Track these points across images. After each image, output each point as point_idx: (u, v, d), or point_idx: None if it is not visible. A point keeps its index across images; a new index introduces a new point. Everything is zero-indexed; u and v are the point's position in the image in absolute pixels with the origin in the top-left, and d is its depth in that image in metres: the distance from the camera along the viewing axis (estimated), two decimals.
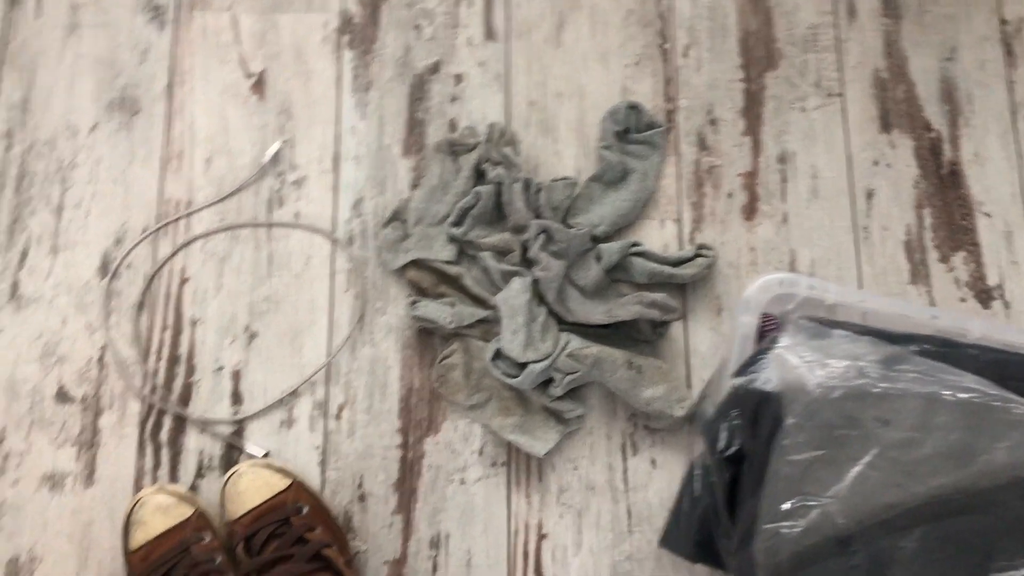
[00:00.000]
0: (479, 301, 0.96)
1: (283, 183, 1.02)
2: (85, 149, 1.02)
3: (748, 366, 0.59)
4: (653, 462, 0.94)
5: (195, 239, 1.00)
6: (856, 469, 0.51)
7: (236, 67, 1.05)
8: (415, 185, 1.02)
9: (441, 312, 0.95)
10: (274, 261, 0.99)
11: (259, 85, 1.05)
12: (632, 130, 1.03)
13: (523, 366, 0.92)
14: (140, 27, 1.06)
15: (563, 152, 1.04)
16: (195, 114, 1.04)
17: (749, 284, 0.68)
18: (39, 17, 1.07)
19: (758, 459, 0.55)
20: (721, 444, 0.58)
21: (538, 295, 0.95)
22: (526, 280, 0.94)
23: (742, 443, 0.57)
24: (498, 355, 0.93)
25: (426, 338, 0.98)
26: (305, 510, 0.87)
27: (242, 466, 0.89)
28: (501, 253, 0.97)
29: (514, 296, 0.93)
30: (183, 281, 0.99)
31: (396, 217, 1.00)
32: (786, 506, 0.52)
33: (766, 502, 0.52)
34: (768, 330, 0.62)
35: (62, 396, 0.95)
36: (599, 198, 1.01)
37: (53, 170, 1.02)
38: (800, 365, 0.54)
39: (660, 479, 0.94)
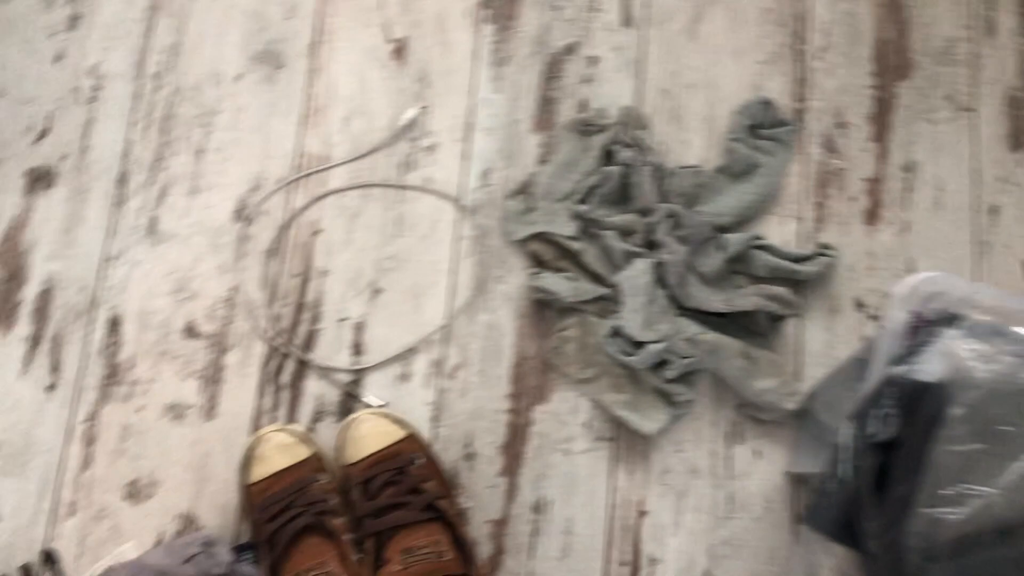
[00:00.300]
0: (598, 278, 0.99)
1: (416, 148, 1.05)
2: (229, 97, 1.06)
3: (905, 357, 0.61)
4: (757, 453, 0.96)
5: (330, 193, 1.03)
6: (1021, 465, 0.52)
7: (379, 31, 1.08)
8: (543, 161, 1.04)
9: (561, 285, 0.97)
10: (402, 222, 1.02)
11: (399, 51, 1.08)
12: (762, 126, 1.04)
13: (640, 345, 0.94)
14: None
15: (691, 141, 1.05)
16: (336, 73, 1.07)
17: (897, 282, 0.69)
18: None
19: (914, 447, 0.56)
20: (872, 430, 0.59)
21: (659, 278, 0.97)
22: (649, 262, 0.96)
23: (895, 430, 0.58)
24: (615, 332, 0.95)
25: (541, 310, 1.00)
26: (420, 461, 0.90)
27: (362, 413, 0.92)
28: (624, 233, 0.99)
29: (637, 276, 0.95)
30: (315, 232, 1.02)
31: (522, 190, 1.02)
32: (947, 493, 0.53)
33: (924, 488, 0.54)
34: (920, 327, 0.64)
35: (190, 331, 0.99)
36: (724, 189, 1.02)
37: (197, 114, 1.06)
38: (969, 358, 0.56)
39: (762, 469, 0.95)
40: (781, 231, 1.02)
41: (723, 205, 1.01)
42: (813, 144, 1.05)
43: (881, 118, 1.06)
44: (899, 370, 0.59)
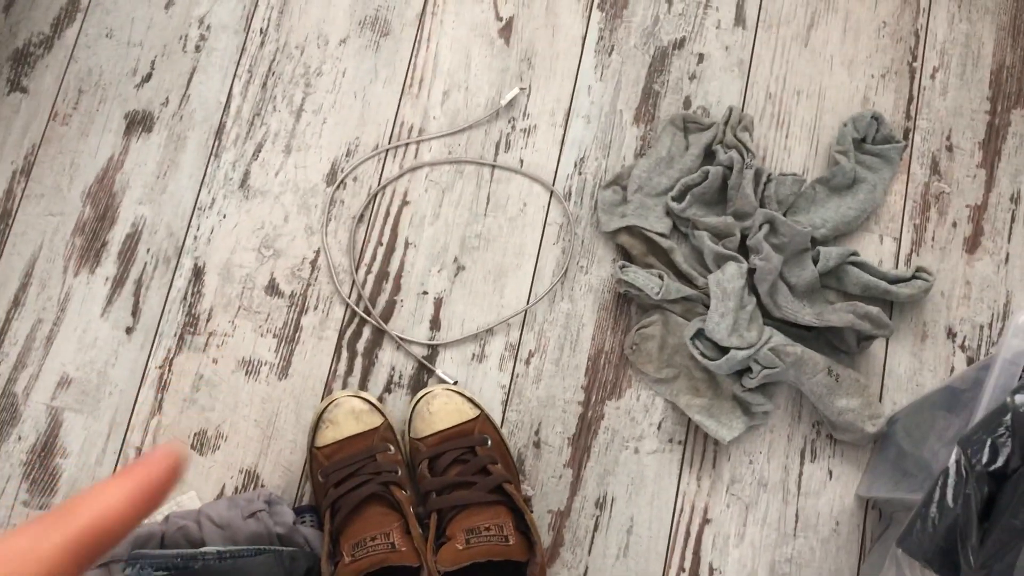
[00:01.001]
0: (686, 278, 0.97)
1: (513, 128, 1.04)
2: (332, 60, 1.06)
3: (1022, 388, 0.58)
4: (830, 472, 0.93)
5: (422, 166, 1.02)
6: None
7: (488, 8, 1.07)
8: (641, 153, 1.02)
9: (649, 281, 0.95)
10: (492, 201, 1.01)
11: (506, 30, 1.07)
12: (869, 140, 1.01)
13: (723, 351, 0.92)
14: None
15: (793, 149, 1.03)
16: (441, 46, 1.06)
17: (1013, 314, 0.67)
18: None
19: None
20: (984, 458, 0.57)
21: (750, 284, 0.95)
22: (742, 266, 0.94)
23: (1008, 460, 0.56)
24: (699, 335, 0.93)
25: (624, 304, 0.98)
26: (489, 443, 0.89)
27: (436, 388, 0.92)
28: (718, 236, 0.97)
29: (728, 280, 0.93)
30: (404, 203, 1.01)
31: (617, 181, 1.01)
32: None
33: None
34: None
35: (272, 288, 0.99)
36: (823, 201, 1.00)
37: (299, 74, 1.06)
38: None
39: (834, 490, 0.93)
40: (879, 250, 1.00)
41: (821, 217, 0.99)
42: (918, 164, 1.02)
43: (992, 144, 1.03)
44: (1019, 399, 0.57)
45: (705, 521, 0.93)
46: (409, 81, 1.05)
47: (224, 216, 1.01)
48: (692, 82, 1.05)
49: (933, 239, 1.00)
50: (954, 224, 1.00)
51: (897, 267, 0.99)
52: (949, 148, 1.03)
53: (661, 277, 0.96)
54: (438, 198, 1.02)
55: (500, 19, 1.07)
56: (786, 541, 0.92)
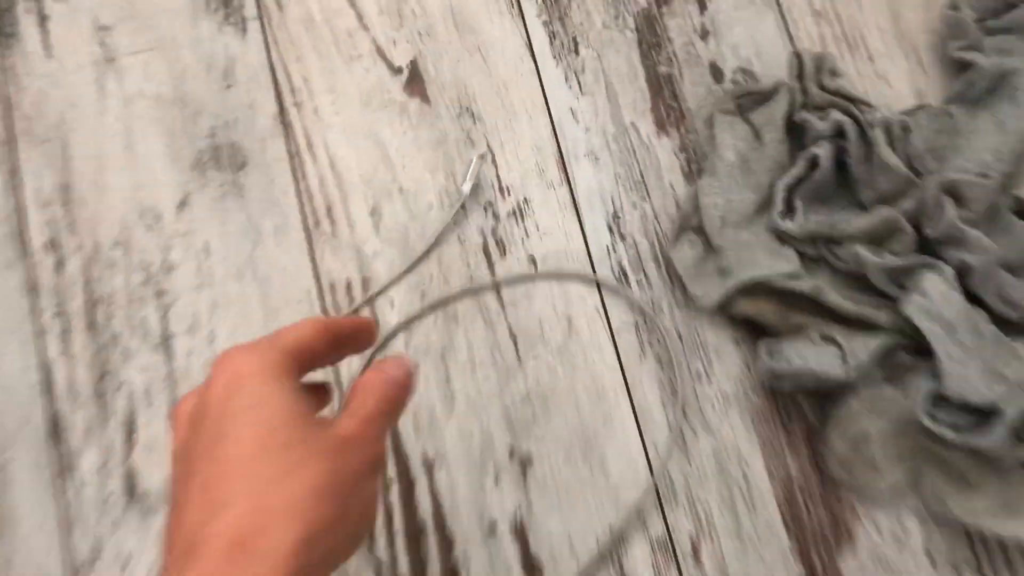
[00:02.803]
0: (863, 324, 0.61)
1: (496, 217, 0.65)
2: (179, 238, 0.65)
3: None
4: None
5: (394, 334, 0.63)
6: None
7: (372, 62, 0.68)
8: (696, 172, 0.66)
9: (823, 358, 0.59)
10: (520, 337, 0.63)
11: (415, 82, 0.68)
12: (994, 14, 0.67)
13: (984, 412, 0.56)
14: (211, 37, 0.69)
15: (887, 73, 0.69)
16: (333, 147, 0.67)
17: None
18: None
19: None
20: None
21: (966, 292, 0.60)
22: (947, 274, 0.59)
23: None
24: (935, 402, 0.57)
25: (791, 404, 0.62)
26: None
27: None
28: (875, 242, 0.61)
29: (941, 303, 0.58)
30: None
31: (685, 226, 0.64)
32: None
33: None
34: None
35: None
36: (971, 126, 0.65)
37: (138, 283, 0.65)
38: None
39: None
40: None
41: (983, 148, 0.64)
42: None
43: None
44: None
45: None
46: (311, 218, 0.65)
47: (127, 559, 0.59)
48: (707, 41, 0.69)
49: None
50: None
51: None
52: None
53: (834, 342, 0.59)
54: (440, 372, 0.62)
55: (398, 70, 0.68)
56: None
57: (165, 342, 0.62)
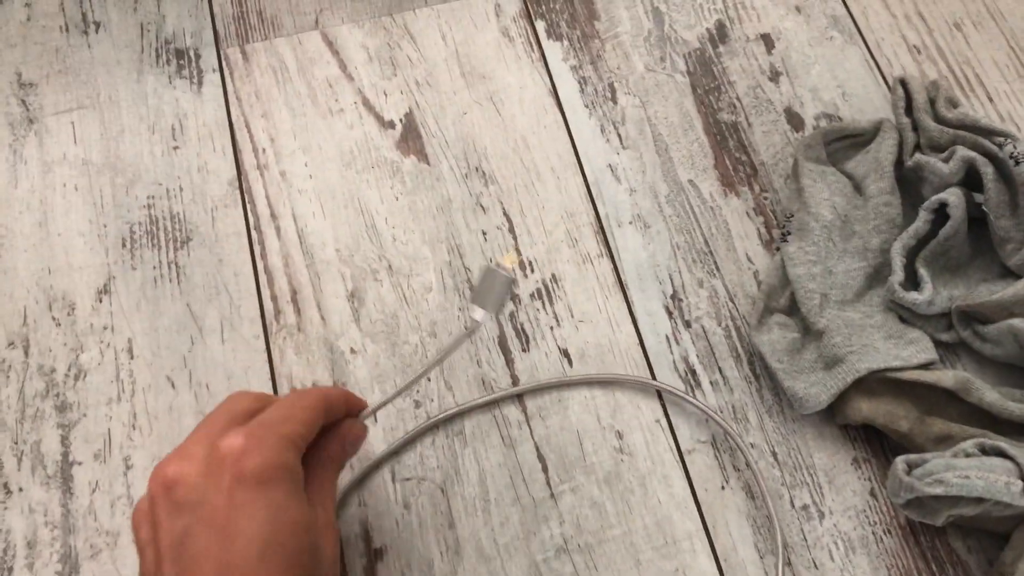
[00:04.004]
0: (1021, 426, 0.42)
1: (515, 301, 0.49)
2: (95, 336, 0.49)
3: None
4: None
5: (373, 467, 0.45)
6: None
7: (358, 115, 0.54)
8: (779, 237, 0.49)
9: (989, 480, 0.40)
10: (553, 464, 0.45)
11: (410, 137, 0.53)
12: None
13: None
14: (157, 92, 0.55)
15: (1013, 113, 0.53)
16: (302, 217, 0.51)
17: None
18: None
19: None
20: None
21: None
22: None
23: None
24: None
25: (934, 539, 0.43)
26: None
27: None
28: None
29: None
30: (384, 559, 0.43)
31: (771, 305, 0.47)
32: None
33: None
34: None
35: None
36: None
37: (39, 392, 0.47)
38: None
39: None
40: None
41: None
42: None
43: None
44: None
45: None
46: (270, 306, 0.49)
47: None
48: (779, 83, 0.54)
49: None
50: None
51: None
52: None
53: (1003, 455, 0.41)
54: (440, 511, 0.44)
55: (389, 124, 0.54)
56: None
57: (63, 473, 0.45)
